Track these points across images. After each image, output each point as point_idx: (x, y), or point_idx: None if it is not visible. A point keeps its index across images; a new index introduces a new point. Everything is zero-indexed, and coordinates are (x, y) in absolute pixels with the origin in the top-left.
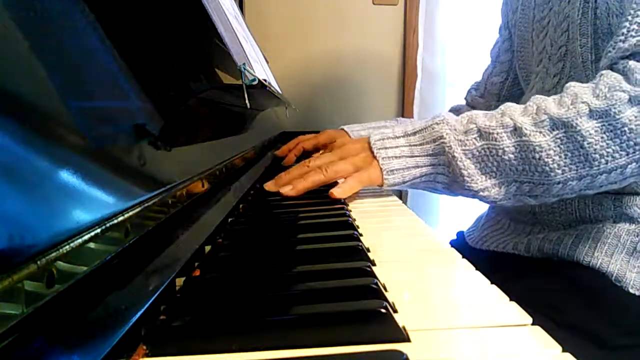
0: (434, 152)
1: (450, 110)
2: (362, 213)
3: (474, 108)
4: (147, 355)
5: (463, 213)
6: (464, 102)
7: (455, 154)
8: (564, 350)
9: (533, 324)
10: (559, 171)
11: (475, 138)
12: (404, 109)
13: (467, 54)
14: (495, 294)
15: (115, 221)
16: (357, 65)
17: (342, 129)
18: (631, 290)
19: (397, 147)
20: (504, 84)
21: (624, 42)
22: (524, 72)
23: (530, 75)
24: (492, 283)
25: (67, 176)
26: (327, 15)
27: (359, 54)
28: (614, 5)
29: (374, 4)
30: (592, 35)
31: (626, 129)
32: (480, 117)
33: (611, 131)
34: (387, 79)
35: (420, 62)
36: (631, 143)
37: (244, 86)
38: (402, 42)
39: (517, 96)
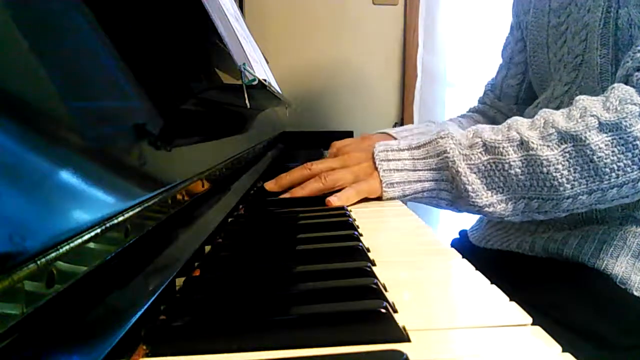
0: (437, 166)
1: (473, 111)
2: (362, 213)
3: (498, 110)
4: (147, 355)
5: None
6: (477, 103)
7: (460, 169)
8: (564, 350)
9: (534, 323)
10: (568, 186)
11: (480, 152)
12: (404, 109)
13: (467, 54)
14: (495, 293)
15: (115, 221)
16: (357, 65)
17: (387, 134)
18: (635, 293)
19: (399, 159)
20: (521, 86)
21: None
22: (538, 77)
23: (545, 82)
24: (494, 282)
25: (67, 176)
26: (327, 16)
27: (359, 54)
28: (637, 17)
29: (374, 4)
30: (612, 46)
31: (638, 142)
32: (487, 131)
33: (622, 145)
34: (387, 79)
35: (420, 62)
36: None
37: (244, 86)
38: (402, 42)
39: (536, 99)
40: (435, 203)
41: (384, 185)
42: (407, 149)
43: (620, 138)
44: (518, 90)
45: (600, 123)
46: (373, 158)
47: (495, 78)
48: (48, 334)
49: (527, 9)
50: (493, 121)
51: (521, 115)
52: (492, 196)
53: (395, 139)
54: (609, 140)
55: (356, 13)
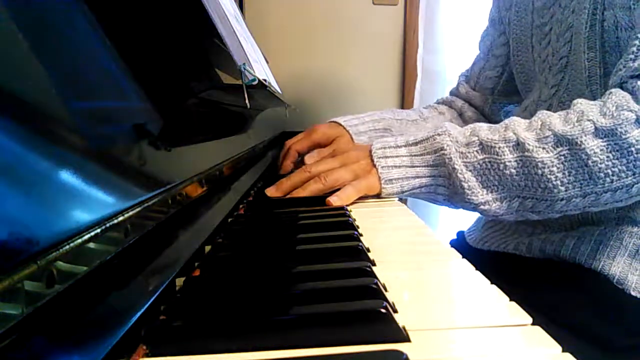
0: (435, 163)
1: (439, 103)
2: (362, 213)
3: (468, 101)
4: (147, 355)
5: (463, 213)
6: (448, 94)
7: (456, 166)
8: (564, 351)
9: (533, 324)
10: (562, 188)
11: (476, 151)
12: (404, 109)
13: (467, 54)
14: (495, 294)
15: (115, 221)
16: (357, 65)
17: (336, 122)
18: (633, 293)
19: (397, 156)
20: (500, 79)
21: (634, 61)
22: (523, 76)
23: (530, 82)
24: (492, 283)
25: (67, 176)
26: (327, 16)
27: (359, 53)
28: (623, 19)
29: (374, 4)
30: (600, 49)
31: (633, 149)
32: (484, 130)
33: (617, 150)
34: (387, 79)
35: (420, 62)
36: (638, 163)
37: (244, 86)
38: (402, 42)
39: (514, 92)
40: (433, 198)
41: (382, 182)
42: (405, 146)
43: (615, 144)
44: (496, 82)
45: (596, 128)
46: (371, 155)
47: (471, 70)
48: (48, 334)
49: (508, 5)
50: (460, 113)
51: (495, 107)
52: (487, 194)
53: (343, 127)
54: (604, 146)
55: (356, 13)
